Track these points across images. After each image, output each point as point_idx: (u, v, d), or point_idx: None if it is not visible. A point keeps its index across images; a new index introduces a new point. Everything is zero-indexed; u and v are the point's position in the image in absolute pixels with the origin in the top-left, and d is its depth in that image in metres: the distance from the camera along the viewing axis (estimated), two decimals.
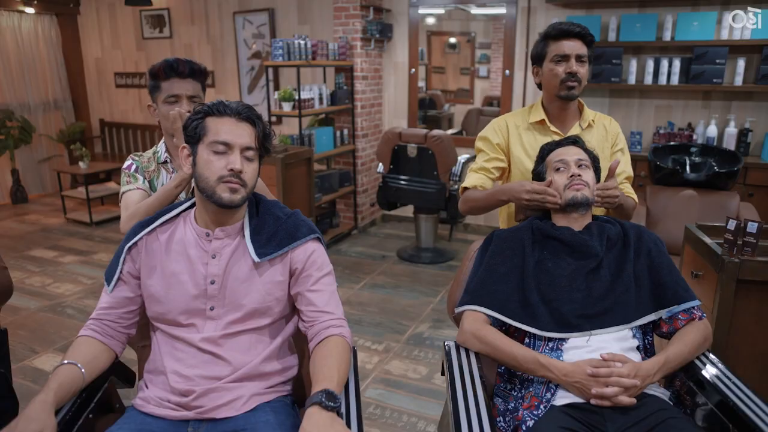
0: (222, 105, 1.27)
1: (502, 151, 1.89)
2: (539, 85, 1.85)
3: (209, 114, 1.27)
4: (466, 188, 1.89)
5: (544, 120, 1.83)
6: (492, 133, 1.90)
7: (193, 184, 1.66)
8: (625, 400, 1.21)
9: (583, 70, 1.74)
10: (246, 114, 1.28)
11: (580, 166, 1.54)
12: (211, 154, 1.25)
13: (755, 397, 1.21)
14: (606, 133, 1.86)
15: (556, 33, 1.74)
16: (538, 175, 1.64)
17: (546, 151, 1.64)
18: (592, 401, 1.23)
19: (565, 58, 1.73)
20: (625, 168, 1.87)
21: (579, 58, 1.73)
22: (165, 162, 1.74)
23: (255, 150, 1.29)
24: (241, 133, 1.26)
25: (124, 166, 1.73)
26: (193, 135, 1.27)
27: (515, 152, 1.86)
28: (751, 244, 1.79)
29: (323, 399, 1.09)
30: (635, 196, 1.86)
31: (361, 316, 3.38)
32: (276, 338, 1.35)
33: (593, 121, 1.85)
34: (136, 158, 1.74)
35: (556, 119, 1.85)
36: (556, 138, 1.73)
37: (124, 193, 1.68)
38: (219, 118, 1.27)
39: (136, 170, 1.71)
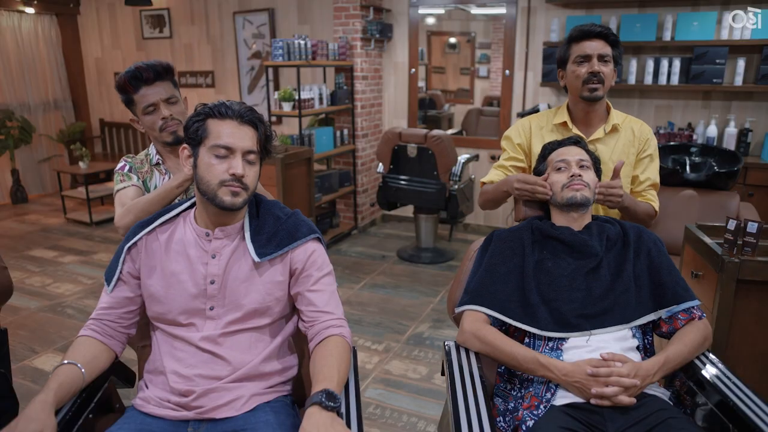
0: (224, 107, 1.26)
1: (522, 151, 1.91)
2: (565, 89, 1.86)
3: (210, 116, 1.26)
4: (485, 183, 1.95)
5: (566, 122, 1.84)
6: (515, 133, 1.93)
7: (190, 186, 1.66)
8: (625, 399, 1.21)
9: (606, 70, 1.73)
10: (248, 117, 1.27)
11: (581, 166, 1.54)
12: (212, 158, 1.24)
13: (755, 397, 1.21)
14: (634, 137, 1.84)
15: (578, 34, 1.75)
16: (539, 173, 1.66)
17: (548, 150, 1.64)
18: (592, 401, 1.23)
19: (586, 58, 1.73)
20: (650, 175, 1.85)
21: (601, 58, 1.73)
22: (158, 164, 1.74)
23: (256, 153, 1.28)
24: (243, 137, 1.25)
25: (117, 167, 1.72)
26: (195, 137, 1.26)
27: (536, 152, 1.87)
28: (751, 244, 1.78)
29: (323, 399, 1.09)
30: (656, 204, 1.84)
31: (361, 316, 3.38)
32: (276, 338, 1.35)
33: (620, 124, 1.84)
34: (129, 159, 1.74)
35: (580, 122, 1.85)
36: None
37: (118, 191, 1.68)
38: (221, 120, 1.25)
39: (130, 170, 1.71)
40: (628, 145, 1.83)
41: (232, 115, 1.25)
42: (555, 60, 4.22)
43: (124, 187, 1.67)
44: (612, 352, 1.29)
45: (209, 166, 1.24)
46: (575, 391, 1.26)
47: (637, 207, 1.76)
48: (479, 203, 1.98)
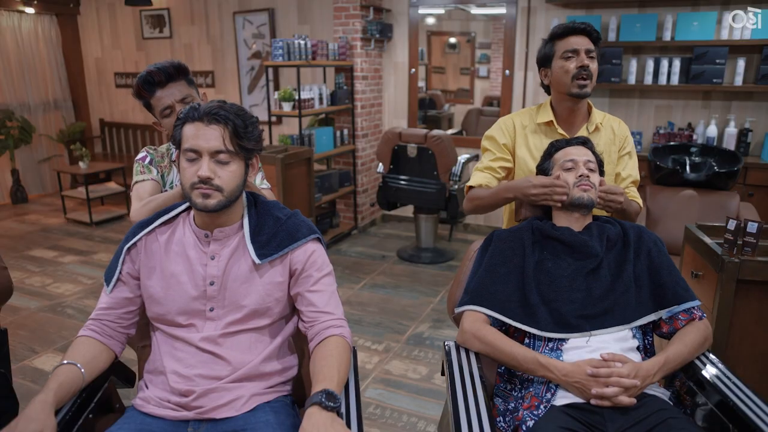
0: (192, 110, 1.25)
1: (508, 151, 1.87)
2: (547, 88, 1.84)
3: (185, 120, 1.26)
4: (471, 187, 1.88)
5: (551, 121, 1.81)
6: (498, 133, 1.88)
7: None
8: (626, 400, 1.21)
9: (593, 65, 1.73)
10: (213, 116, 1.22)
11: (589, 168, 1.54)
12: (185, 162, 1.25)
13: (755, 397, 1.21)
14: (614, 135, 1.84)
15: (562, 31, 1.74)
16: (543, 171, 1.64)
17: (554, 148, 1.63)
18: (592, 401, 1.23)
19: (575, 52, 1.72)
20: (632, 172, 1.85)
21: (588, 53, 1.72)
22: (176, 160, 1.74)
23: (228, 152, 1.23)
24: (209, 137, 1.22)
25: (139, 157, 1.72)
26: (175, 143, 1.28)
27: (520, 153, 1.85)
28: (751, 244, 1.79)
29: (323, 399, 1.09)
30: (640, 201, 1.84)
31: (361, 316, 3.38)
32: (276, 338, 1.35)
33: (601, 123, 1.83)
34: (152, 151, 1.74)
35: (564, 121, 1.83)
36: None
37: (136, 182, 1.68)
38: (191, 124, 1.24)
39: (150, 162, 1.71)
40: (609, 144, 1.83)
41: (198, 117, 1.23)
42: None
43: (143, 180, 1.67)
44: (612, 353, 1.29)
45: (183, 170, 1.25)
46: (575, 392, 1.26)
47: (629, 208, 1.76)
48: (467, 209, 1.89)
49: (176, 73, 1.63)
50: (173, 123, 1.62)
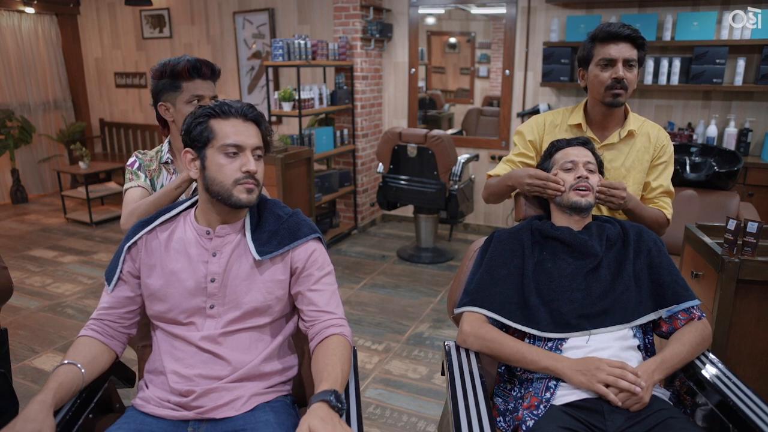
0: (226, 106, 1.27)
1: (533, 148, 1.87)
2: (585, 89, 1.79)
3: (213, 116, 1.26)
4: (491, 175, 1.91)
5: (581, 124, 1.78)
6: (528, 129, 1.88)
7: (193, 186, 1.66)
8: (636, 406, 1.22)
9: (631, 75, 1.66)
10: (252, 114, 1.29)
11: (588, 169, 1.54)
12: (222, 158, 1.24)
13: (755, 397, 1.21)
14: (649, 143, 1.78)
15: (604, 36, 1.66)
16: (543, 170, 1.64)
17: (555, 148, 1.63)
18: (595, 388, 1.23)
19: (611, 62, 1.65)
20: (663, 182, 1.80)
21: (627, 63, 1.65)
22: (167, 162, 1.74)
23: (262, 149, 1.30)
24: (250, 134, 1.27)
25: (128, 162, 1.74)
26: (199, 139, 1.26)
27: None
28: (751, 244, 1.78)
29: (332, 399, 1.10)
30: (668, 211, 1.79)
31: (361, 316, 3.38)
32: (276, 337, 1.35)
33: (636, 130, 1.77)
34: (140, 155, 1.75)
35: (597, 125, 1.78)
36: None
37: (126, 190, 1.70)
38: (225, 120, 1.26)
39: (138, 168, 1.72)
40: (643, 152, 1.78)
41: (235, 114, 1.26)
42: (555, 60, 4.23)
43: (131, 187, 1.69)
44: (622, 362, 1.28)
45: (220, 166, 1.24)
46: (579, 377, 1.25)
47: (643, 211, 1.71)
48: (483, 196, 1.94)
49: (217, 74, 1.70)
50: (187, 112, 1.61)
